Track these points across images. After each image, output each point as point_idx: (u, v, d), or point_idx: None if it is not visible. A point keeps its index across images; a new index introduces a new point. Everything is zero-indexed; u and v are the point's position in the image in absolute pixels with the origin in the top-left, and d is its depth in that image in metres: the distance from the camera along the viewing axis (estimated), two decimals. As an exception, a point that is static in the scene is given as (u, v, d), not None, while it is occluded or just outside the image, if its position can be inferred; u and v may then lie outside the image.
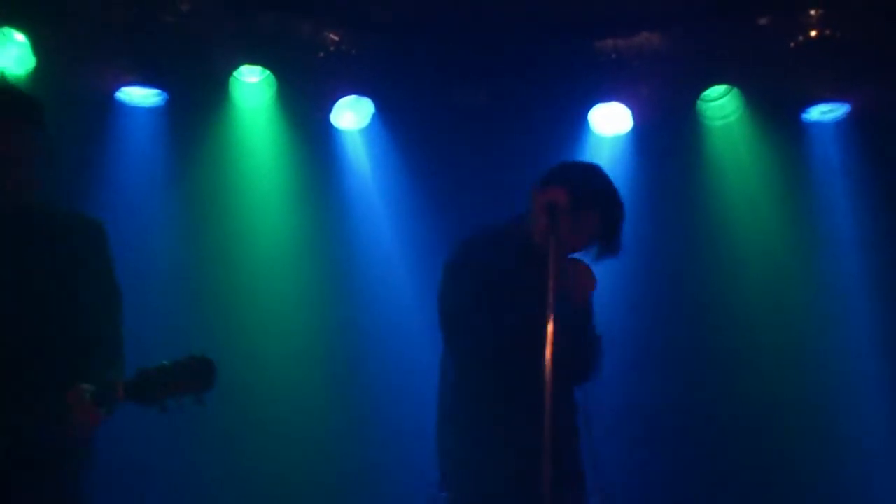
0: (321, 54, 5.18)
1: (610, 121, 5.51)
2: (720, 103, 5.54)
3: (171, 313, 5.15)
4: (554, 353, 3.19)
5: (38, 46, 4.85)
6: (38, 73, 4.87)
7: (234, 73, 5.25)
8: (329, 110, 5.39)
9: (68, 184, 4.52)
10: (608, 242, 3.51)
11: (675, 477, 5.40)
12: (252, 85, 5.30)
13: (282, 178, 5.45)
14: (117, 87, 5.16)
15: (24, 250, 2.91)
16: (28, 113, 2.90)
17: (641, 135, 5.54)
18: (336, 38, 5.17)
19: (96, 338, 2.98)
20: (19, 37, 4.83)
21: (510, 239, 3.50)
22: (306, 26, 5.15)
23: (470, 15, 5.17)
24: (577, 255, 3.50)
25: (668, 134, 5.53)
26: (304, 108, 5.37)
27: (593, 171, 3.56)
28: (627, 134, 5.54)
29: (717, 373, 5.53)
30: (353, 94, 5.37)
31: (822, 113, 5.50)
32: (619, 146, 5.55)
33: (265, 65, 5.23)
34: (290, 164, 5.45)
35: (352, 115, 5.44)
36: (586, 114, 5.50)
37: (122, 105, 5.19)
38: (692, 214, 5.58)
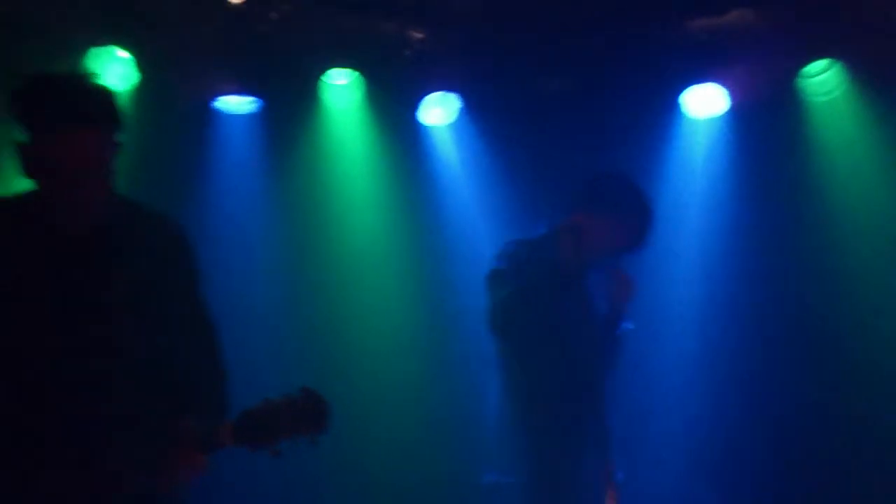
0: (406, 52, 5.28)
1: (704, 103, 5.40)
2: (822, 79, 5.34)
3: (271, 318, 5.36)
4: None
5: (141, 62, 5.12)
6: (140, 88, 5.13)
7: (324, 77, 5.41)
8: (417, 107, 5.50)
9: (168, 191, 4.82)
10: (636, 248, 3.72)
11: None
12: (341, 87, 5.45)
13: (373, 177, 5.59)
14: (214, 97, 5.42)
15: (106, 273, 2.76)
16: (103, 115, 2.69)
17: (738, 116, 5.40)
18: (420, 35, 5.25)
19: (193, 371, 2.85)
20: (123, 54, 5.11)
21: (543, 254, 3.76)
22: (390, 26, 5.25)
23: (553, 2, 5.16)
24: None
25: (767, 113, 5.36)
26: (393, 106, 5.48)
27: (614, 183, 3.78)
28: (723, 116, 5.42)
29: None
30: (440, 90, 5.46)
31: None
32: (715, 129, 5.44)
33: (353, 66, 5.38)
34: (381, 162, 5.57)
35: (439, 110, 5.53)
36: (678, 97, 5.40)
37: (219, 113, 5.43)
38: (795, 198, 5.38)
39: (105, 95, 2.70)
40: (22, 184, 2.76)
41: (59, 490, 2.68)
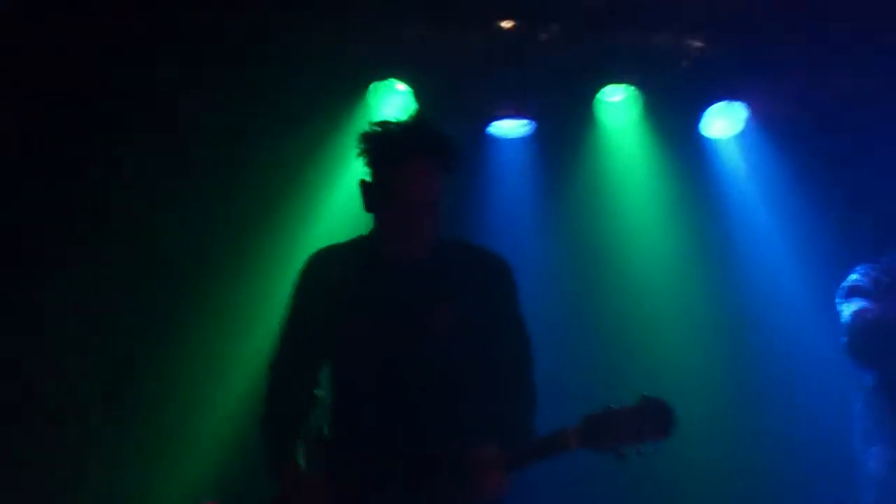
0: (684, 63, 5.10)
1: None
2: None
3: (567, 333, 5.25)
4: None
5: (418, 93, 5.22)
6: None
7: (599, 95, 5.32)
8: (699, 120, 5.30)
9: (452, 218, 4.86)
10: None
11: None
12: (617, 104, 5.34)
13: (656, 196, 5.43)
14: (489, 123, 5.42)
15: (440, 292, 3.04)
16: (451, 159, 3.02)
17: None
18: (698, 44, 5.06)
19: (512, 389, 3.04)
20: (401, 87, 5.23)
21: None
22: (665, 37, 5.10)
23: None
24: None
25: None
26: (673, 120, 5.32)
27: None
28: None
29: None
30: (723, 99, 5.23)
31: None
32: None
33: (628, 82, 5.26)
34: (664, 180, 5.41)
35: (723, 121, 5.30)
36: None
37: (493, 139, 5.42)
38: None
39: (446, 138, 3.03)
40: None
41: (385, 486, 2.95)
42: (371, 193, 3.03)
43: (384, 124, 3.02)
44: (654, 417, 2.77)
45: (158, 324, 5.07)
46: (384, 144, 2.98)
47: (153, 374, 5.06)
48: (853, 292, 4.07)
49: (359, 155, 3.02)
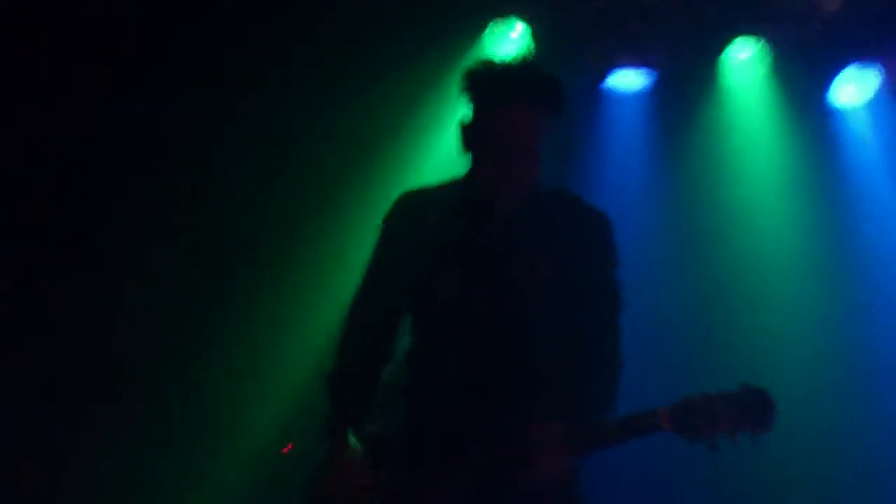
0: (818, 24, 4.88)
1: None
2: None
3: (667, 307, 5.10)
4: None
5: (537, 34, 5.09)
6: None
7: (725, 50, 5.14)
8: (829, 84, 5.09)
9: (561, 171, 4.75)
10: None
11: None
12: (743, 62, 5.15)
13: (778, 162, 5.21)
14: (608, 72, 5.28)
15: (537, 240, 2.92)
16: (557, 104, 2.85)
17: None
18: (834, 5, 4.82)
19: (596, 357, 2.91)
20: (519, 27, 5.11)
21: None
22: (802, -6, 4.87)
23: None
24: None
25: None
26: (801, 82, 5.11)
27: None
28: None
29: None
30: (856, 63, 5.01)
31: None
32: None
33: (759, 35, 5.05)
34: (787, 146, 5.19)
35: (854, 87, 5.08)
36: None
37: (608, 92, 5.29)
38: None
39: (555, 82, 2.85)
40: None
41: (470, 435, 2.84)
42: (470, 134, 2.90)
43: (489, 63, 2.89)
44: (754, 408, 2.60)
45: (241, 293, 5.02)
46: (487, 84, 2.84)
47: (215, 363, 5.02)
48: None
49: (461, 93, 2.89)
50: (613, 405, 2.87)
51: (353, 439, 2.91)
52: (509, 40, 5.10)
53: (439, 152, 4.93)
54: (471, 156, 2.91)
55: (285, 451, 4.69)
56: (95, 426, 4.81)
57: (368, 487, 2.86)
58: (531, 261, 2.89)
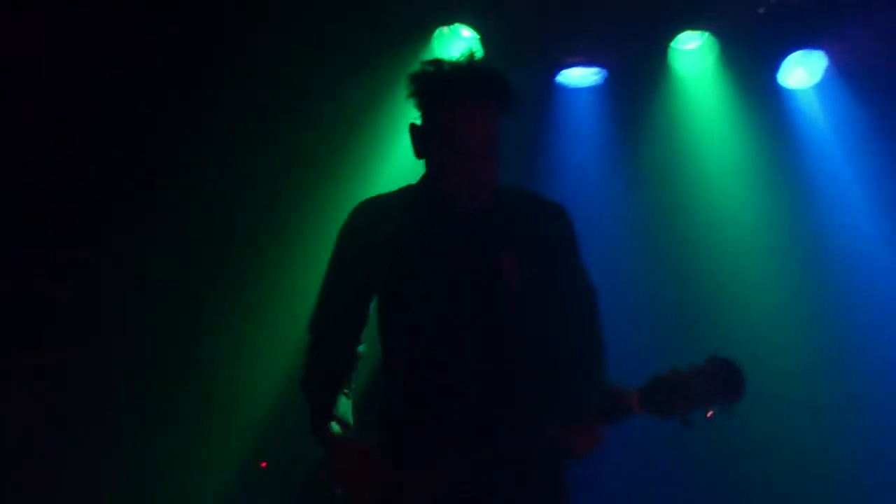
0: (761, 9, 4.94)
1: None
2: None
3: (631, 297, 5.11)
4: None
5: (485, 39, 5.11)
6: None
7: (673, 42, 5.19)
8: (777, 69, 5.16)
9: (514, 168, 4.77)
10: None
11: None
12: (691, 52, 5.22)
13: (732, 147, 5.29)
14: (558, 70, 5.32)
15: (496, 245, 2.88)
16: (507, 99, 2.81)
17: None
18: (777, -10, 4.90)
19: (578, 340, 2.90)
20: (466, 32, 5.14)
21: None
22: (742, -19, 4.94)
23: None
24: None
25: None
26: (750, 69, 5.18)
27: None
28: None
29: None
30: (802, 48, 5.08)
31: None
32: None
33: (704, 28, 5.13)
34: (739, 132, 5.27)
35: (802, 71, 5.16)
36: None
37: (561, 88, 5.33)
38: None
39: (502, 77, 2.81)
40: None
41: (450, 443, 2.82)
42: (422, 138, 2.86)
43: (435, 63, 2.82)
44: (723, 379, 2.59)
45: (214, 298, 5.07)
46: (434, 83, 2.79)
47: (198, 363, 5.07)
48: None
49: (409, 97, 2.84)
50: (601, 388, 2.85)
51: (338, 429, 2.91)
52: (457, 45, 5.11)
53: (393, 161, 4.95)
54: (426, 159, 2.88)
55: (263, 465, 4.73)
56: (89, 424, 4.86)
57: (372, 467, 2.85)
58: (495, 259, 2.85)
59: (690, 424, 2.59)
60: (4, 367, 4.73)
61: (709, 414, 2.59)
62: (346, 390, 2.99)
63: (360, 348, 3.04)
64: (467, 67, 2.79)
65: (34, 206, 4.81)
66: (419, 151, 2.88)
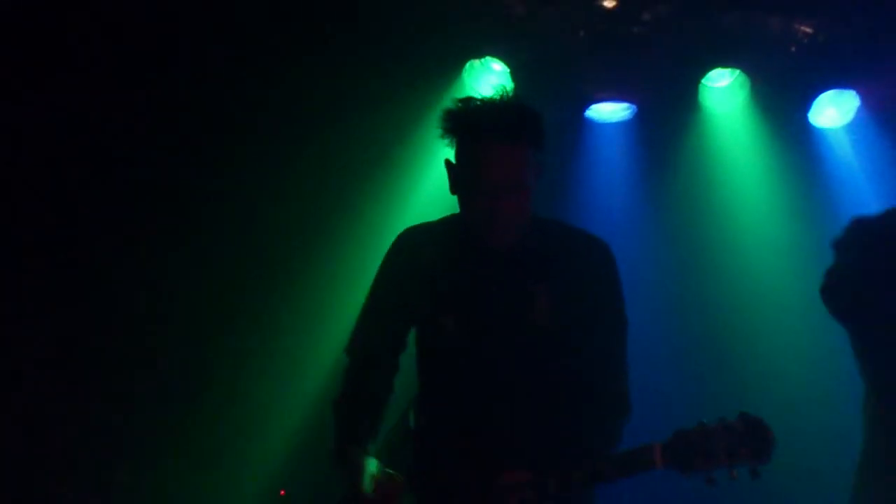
0: (793, 48, 4.99)
1: None
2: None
3: (664, 330, 5.19)
4: None
5: (515, 73, 5.20)
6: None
7: (704, 79, 5.27)
8: (808, 108, 5.23)
9: (544, 201, 4.83)
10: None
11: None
12: (722, 89, 5.29)
13: (761, 185, 5.35)
14: (587, 105, 5.41)
15: (535, 275, 2.91)
16: (538, 137, 2.85)
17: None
18: (808, 29, 4.94)
19: (602, 390, 2.91)
20: (497, 66, 5.23)
21: None
22: (774, 21, 5.01)
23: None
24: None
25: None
26: (781, 108, 5.25)
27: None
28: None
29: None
30: (833, 87, 5.15)
31: None
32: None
33: (735, 66, 5.20)
34: (770, 169, 5.33)
35: (833, 110, 5.22)
36: None
37: (591, 123, 5.41)
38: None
39: (532, 115, 2.86)
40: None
41: (474, 475, 2.86)
42: (455, 174, 2.89)
43: (467, 101, 2.85)
44: (750, 438, 2.51)
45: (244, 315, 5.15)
46: (465, 121, 2.83)
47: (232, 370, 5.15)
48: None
49: (441, 135, 2.88)
50: (619, 438, 2.87)
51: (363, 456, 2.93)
52: (488, 78, 5.19)
53: (422, 189, 5.03)
54: (459, 197, 2.91)
55: (282, 493, 4.77)
56: (100, 449, 4.92)
57: (395, 492, 2.88)
58: (530, 296, 2.89)
59: (714, 483, 2.53)
60: (22, 376, 4.83)
61: (733, 473, 2.52)
62: (377, 421, 3.03)
63: (395, 377, 3.11)
64: (496, 105, 2.83)
65: (56, 228, 4.92)
66: (452, 188, 2.93)
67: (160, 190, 5.05)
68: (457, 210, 2.96)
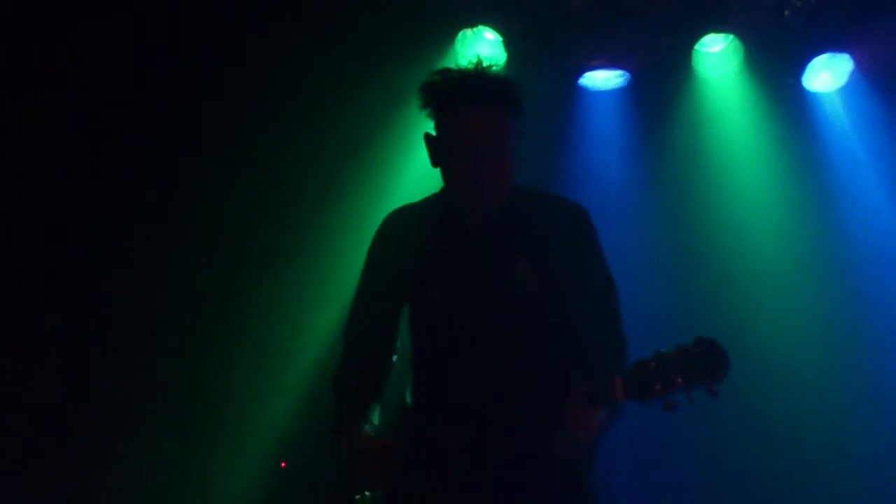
0: (787, 13, 5.02)
1: None
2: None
3: (653, 299, 5.22)
4: None
5: (508, 42, 5.22)
6: (507, 68, 5.22)
7: (697, 45, 5.29)
8: (802, 72, 5.25)
9: (538, 171, 4.87)
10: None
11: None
12: (716, 55, 5.32)
13: (756, 149, 5.38)
14: (581, 74, 5.43)
15: (516, 245, 2.99)
16: (516, 101, 2.93)
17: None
18: (803, -8, 4.96)
19: (597, 334, 2.98)
20: (490, 35, 5.24)
21: None
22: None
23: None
24: None
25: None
26: (774, 72, 5.27)
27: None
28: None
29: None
30: (827, 51, 5.17)
31: None
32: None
33: (729, 31, 5.23)
34: (764, 133, 5.36)
35: (827, 74, 5.24)
36: None
37: (585, 91, 5.42)
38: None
39: (509, 82, 2.94)
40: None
41: (470, 443, 2.96)
42: (436, 146, 2.97)
43: (442, 71, 2.94)
44: (704, 359, 2.52)
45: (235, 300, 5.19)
46: (443, 93, 2.91)
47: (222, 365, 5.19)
48: None
49: (421, 107, 2.96)
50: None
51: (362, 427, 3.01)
52: (481, 48, 5.20)
53: (416, 166, 5.03)
54: (440, 168, 2.99)
55: (283, 465, 4.82)
56: (106, 426, 4.98)
57: (394, 458, 2.94)
58: (513, 266, 2.96)
59: (673, 408, 2.54)
60: (21, 371, 4.88)
61: (690, 397, 2.53)
62: (375, 397, 3.12)
63: (394, 357, 3.20)
64: (475, 75, 2.90)
65: (60, 217, 4.97)
66: (434, 160, 3.00)
67: (148, 183, 5.08)
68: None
